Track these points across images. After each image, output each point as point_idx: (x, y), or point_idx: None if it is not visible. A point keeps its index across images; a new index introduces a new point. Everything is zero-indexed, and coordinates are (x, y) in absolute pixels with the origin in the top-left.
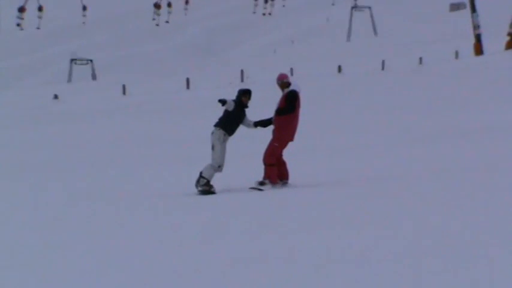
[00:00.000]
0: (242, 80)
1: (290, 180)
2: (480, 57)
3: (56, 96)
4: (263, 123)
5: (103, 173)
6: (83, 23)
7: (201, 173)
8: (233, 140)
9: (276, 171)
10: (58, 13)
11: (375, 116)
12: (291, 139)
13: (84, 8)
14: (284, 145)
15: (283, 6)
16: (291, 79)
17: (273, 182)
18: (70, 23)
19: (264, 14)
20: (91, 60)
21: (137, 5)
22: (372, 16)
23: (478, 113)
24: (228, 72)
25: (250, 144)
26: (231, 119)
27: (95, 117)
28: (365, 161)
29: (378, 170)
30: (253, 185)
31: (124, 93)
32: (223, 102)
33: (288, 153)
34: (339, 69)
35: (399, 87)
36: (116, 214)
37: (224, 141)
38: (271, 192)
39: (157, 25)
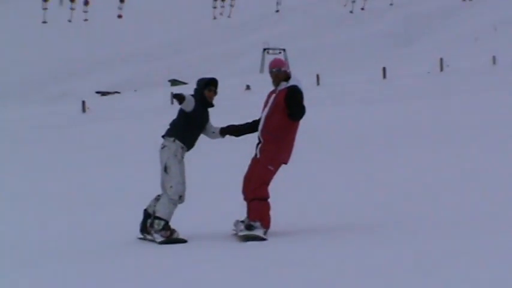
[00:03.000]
0: (441, 69)
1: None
2: None
3: (248, 87)
4: (234, 131)
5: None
6: (277, 11)
7: (153, 213)
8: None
9: (269, 207)
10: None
11: None
12: (286, 161)
13: None
14: (278, 168)
15: None
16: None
17: (266, 225)
18: (262, 11)
19: (464, 0)
20: (284, 50)
21: None
22: None
23: None
24: (426, 61)
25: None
26: (191, 125)
27: None
28: None
29: None
30: (243, 232)
31: (318, 83)
32: (180, 98)
33: None
34: None
35: None
36: None
37: (182, 157)
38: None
39: (351, 12)
